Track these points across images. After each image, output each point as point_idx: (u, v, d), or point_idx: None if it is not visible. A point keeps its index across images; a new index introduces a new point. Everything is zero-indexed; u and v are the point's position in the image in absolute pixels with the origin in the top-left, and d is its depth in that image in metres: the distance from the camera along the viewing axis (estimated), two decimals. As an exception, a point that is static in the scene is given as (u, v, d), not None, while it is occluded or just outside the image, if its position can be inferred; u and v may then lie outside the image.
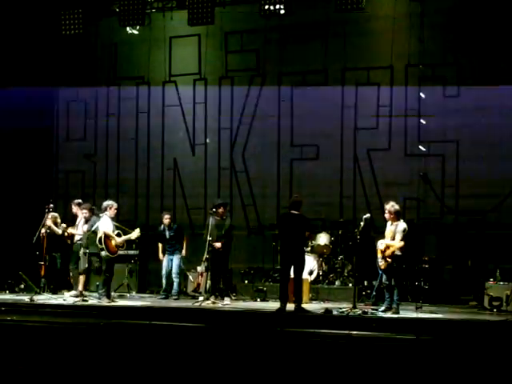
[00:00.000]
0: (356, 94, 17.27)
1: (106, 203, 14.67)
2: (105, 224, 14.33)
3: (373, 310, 12.95)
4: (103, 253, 14.27)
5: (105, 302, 14.27)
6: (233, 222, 15.43)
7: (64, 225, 15.76)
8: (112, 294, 15.06)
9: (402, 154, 16.84)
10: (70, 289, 15.69)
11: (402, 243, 12.56)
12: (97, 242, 14.28)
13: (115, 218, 14.82)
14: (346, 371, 9.02)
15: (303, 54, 17.64)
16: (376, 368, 9.02)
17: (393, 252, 12.54)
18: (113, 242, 14.31)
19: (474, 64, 16.22)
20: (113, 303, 14.30)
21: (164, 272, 15.97)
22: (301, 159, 17.74)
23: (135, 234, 14.64)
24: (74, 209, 15.85)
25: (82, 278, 14.93)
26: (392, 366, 9.05)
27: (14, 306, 13.63)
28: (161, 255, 16.10)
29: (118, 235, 14.48)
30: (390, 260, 12.55)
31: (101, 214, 14.66)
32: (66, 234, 15.71)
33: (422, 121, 16.44)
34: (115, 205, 14.71)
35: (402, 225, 12.74)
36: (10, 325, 11.75)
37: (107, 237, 14.24)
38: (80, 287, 14.87)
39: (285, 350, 9.78)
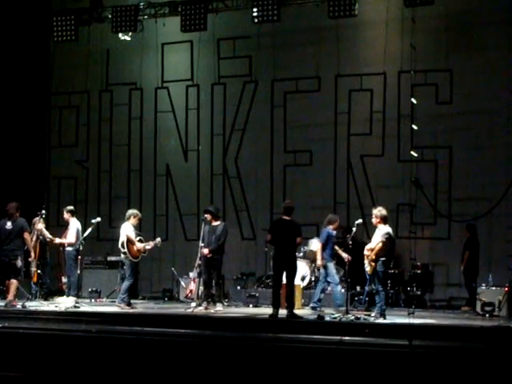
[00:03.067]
0: (349, 100, 17.30)
1: (130, 211, 14.83)
2: (127, 230, 14.48)
3: (365, 315, 12.92)
4: (125, 257, 14.41)
5: (125, 308, 14.31)
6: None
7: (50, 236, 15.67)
8: (104, 300, 14.99)
9: (395, 159, 16.87)
10: (61, 294, 15.68)
11: (380, 245, 12.54)
12: (119, 246, 14.42)
13: (137, 227, 14.92)
14: (339, 377, 9.01)
15: (296, 60, 17.68)
16: (368, 374, 9.01)
17: (376, 256, 12.55)
18: (134, 248, 14.45)
19: (466, 70, 16.27)
20: (132, 310, 14.33)
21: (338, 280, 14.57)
22: (294, 165, 17.75)
23: (157, 242, 14.90)
24: (66, 216, 15.82)
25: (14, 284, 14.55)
26: (385, 372, 9.04)
27: (5, 312, 13.55)
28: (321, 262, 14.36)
29: (140, 241, 14.63)
30: (373, 264, 12.56)
31: (92, 221, 14.66)
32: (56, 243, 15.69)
33: (414, 126, 16.46)
34: (139, 215, 14.87)
35: (384, 229, 12.75)
36: (1, 332, 11.69)
37: (130, 241, 14.36)
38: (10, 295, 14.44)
39: (277, 356, 9.75)
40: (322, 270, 14.43)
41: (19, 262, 14.22)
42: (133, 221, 14.63)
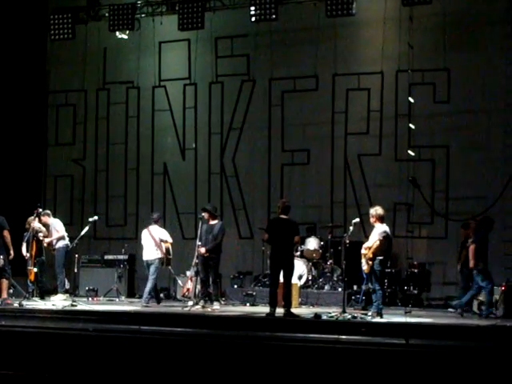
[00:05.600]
0: (346, 99, 17.30)
1: (159, 214, 15.43)
2: (163, 234, 14.93)
3: (362, 314, 12.92)
4: (159, 259, 14.84)
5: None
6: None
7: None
8: (101, 298, 14.99)
9: (392, 158, 16.88)
10: (56, 293, 15.68)
11: (377, 243, 12.53)
12: (164, 251, 14.85)
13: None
14: (336, 376, 9.01)
15: (293, 58, 17.69)
16: (365, 373, 9.01)
17: (373, 254, 12.54)
18: (164, 250, 14.99)
19: (463, 69, 16.28)
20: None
21: None
22: (291, 164, 17.75)
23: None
24: (44, 218, 15.77)
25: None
26: (381, 371, 9.04)
27: (2, 311, 13.53)
28: None
29: None
30: (370, 263, 12.56)
31: (90, 219, 14.73)
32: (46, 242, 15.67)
33: (411, 125, 16.47)
34: None
35: (381, 227, 12.75)
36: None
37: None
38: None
39: (274, 355, 9.75)
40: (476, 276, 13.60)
41: (0, 261, 14.11)
42: (160, 223, 15.00)
